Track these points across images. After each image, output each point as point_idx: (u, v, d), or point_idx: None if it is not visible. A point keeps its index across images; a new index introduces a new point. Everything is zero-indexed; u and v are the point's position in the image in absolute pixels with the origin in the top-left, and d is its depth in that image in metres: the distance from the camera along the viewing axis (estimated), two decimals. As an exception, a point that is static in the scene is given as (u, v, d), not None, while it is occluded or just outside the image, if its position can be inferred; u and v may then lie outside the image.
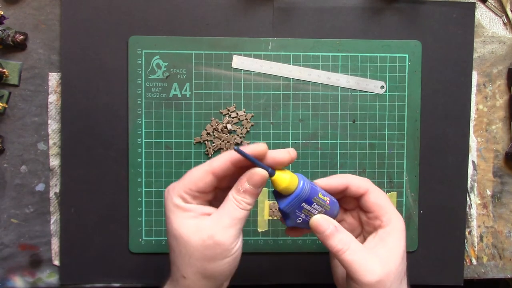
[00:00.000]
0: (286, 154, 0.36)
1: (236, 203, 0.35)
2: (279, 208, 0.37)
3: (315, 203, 0.37)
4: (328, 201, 0.38)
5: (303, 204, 0.37)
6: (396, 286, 0.37)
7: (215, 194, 0.38)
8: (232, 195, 0.36)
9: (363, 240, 0.40)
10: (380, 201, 0.39)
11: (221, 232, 0.35)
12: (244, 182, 0.35)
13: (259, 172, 0.35)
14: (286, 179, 0.35)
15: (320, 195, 0.37)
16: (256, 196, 0.36)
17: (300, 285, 0.52)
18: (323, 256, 0.51)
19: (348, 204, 0.41)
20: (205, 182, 0.35)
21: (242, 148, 0.34)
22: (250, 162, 0.35)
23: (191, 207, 0.36)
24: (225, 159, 0.35)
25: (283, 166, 0.36)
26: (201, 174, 0.35)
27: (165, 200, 0.37)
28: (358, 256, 0.36)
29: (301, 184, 0.36)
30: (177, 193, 0.36)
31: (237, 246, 0.36)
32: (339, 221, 0.40)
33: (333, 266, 0.43)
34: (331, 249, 0.37)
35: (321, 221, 0.37)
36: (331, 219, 0.38)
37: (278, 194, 0.37)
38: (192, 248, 0.35)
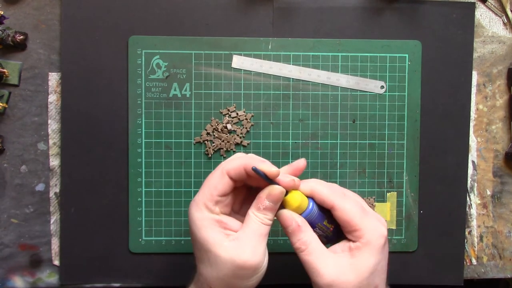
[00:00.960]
0: (291, 182, 0.37)
1: (259, 220, 0.37)
2: None
3: (317, 228, 0.38)
4: (332, 229, 0.39)
5: None
6: None
7: (233, 199, 0.39)
8: (253, 213, 0.37)
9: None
10: (347, 216, 0.37)
11: (251, 254, 0.36)
12: (263, 200, 0.37)
13: (278, 189, 0.37)
14: (297, 201, 0.37)
15: (325, 222, 0.39)
16: (275, 211, 0.38)
17: (300, 285, 0.52)
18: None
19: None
20: (223, 184, 0.37)
21: (258, 167, 0.36)
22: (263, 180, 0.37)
23: (216, 217, 0.37)
24: (239, 164, 0.37)
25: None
26: (218, 177, 0.37)
27: (190, 215, 0.37)
28: (314, 257, 0.37)
29: (309, 207, 0.38)
30: (201, 204, 0.37)
31: (265, 262, 0.37)
32: None
33: None
34: (292, 245, 0.38)
35: (286, 217, 0.38)
36: (297, 216, 0.38)
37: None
38: (223, 266, 0.36)
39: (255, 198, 0.38)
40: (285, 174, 0.38)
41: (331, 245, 0.39)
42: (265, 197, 0.37)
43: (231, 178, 0.37)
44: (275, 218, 0.38)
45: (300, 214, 0.38)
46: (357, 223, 0.37)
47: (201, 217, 0.37)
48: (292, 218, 0.37)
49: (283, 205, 0.38)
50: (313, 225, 0.38)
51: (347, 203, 0.37)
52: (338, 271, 0.36)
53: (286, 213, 0.38)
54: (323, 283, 0.36)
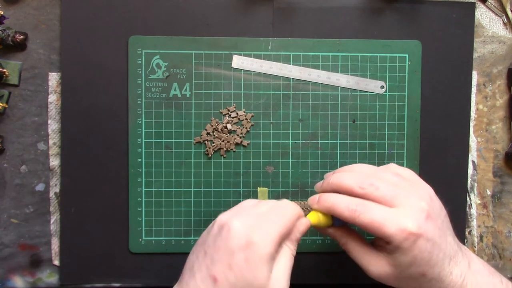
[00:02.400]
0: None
1: (290, 251, 0.38)
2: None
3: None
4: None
5: None
6: (404, 283, 0.38)
7: None
8: (287, 244, 0.38)
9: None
10: (369, 230, 0.36)
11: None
12: (297, 234, 0.38)
13: (310, 224, 0.40)
14: (320, 225, 0.41)
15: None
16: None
17: (300, 285, 0.52)
18: (323, 256, 0.51)
19: None
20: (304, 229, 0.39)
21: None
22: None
23: (270, 252, 0.36)
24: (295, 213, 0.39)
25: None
26: (303, 223, 0.39)
27: (249, 238, 0.35)
28: (353, 255, 0.40)
29: (335, 224, 0.41)
30: (275, 236, 0.36)
31: None
32: None
33: (358, 258, 0.41)
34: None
35: (323, 229, 0.42)
36: (329, 228, 0.41)
37: None
38: None
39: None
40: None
41: None
42: (300, 231, 0.39)
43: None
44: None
45: (332, 225, 0.41)
46: (380, 234, 0.36)
47: (264, 244, 0.35)
48: (325, 230, 0.41)
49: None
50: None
51: (364, 218, 0.36)
52: (378, 266, 0.38)
53: (320, 230, 0.42)
54: (371, 276, 0.39)
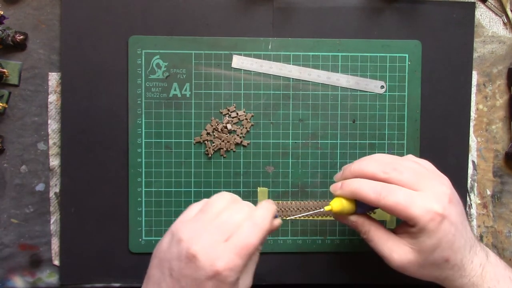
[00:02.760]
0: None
1: (258, 253, 0.38)
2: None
3: (370, 213, 0.42)
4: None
5: None
6: (427, 271, 0.38)
7: None
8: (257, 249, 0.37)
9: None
10: (394, 212, 0.36)
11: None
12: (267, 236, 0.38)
13: (281, 223, 0.41)
14: (345, 209, 0.40)
15: (371, 213, 0.43)
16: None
17: (300, 285, 0.52)
18: (323, 256, 0.51)
19: None
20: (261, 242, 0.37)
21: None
22: None
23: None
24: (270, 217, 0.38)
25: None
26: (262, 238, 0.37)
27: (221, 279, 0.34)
28: (374, 243, 0.39)
29: (357, 210, 0.40)
30: (240, 267, 0.35)
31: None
32: None
33: (378, 246, 0.41)
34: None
35: (340, 219, 0.41)
36: (350, 216, 0.41)
37: None
38: None
39: None
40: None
41: None
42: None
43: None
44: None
45: (354, 213, 0.40)
46: (406, 216, 0.36)
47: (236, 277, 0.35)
48: (346, 219, 0.41)
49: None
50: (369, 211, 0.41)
51: (390, 199, 0.36)
52: (401, 253, 0.38)
53: (339, 216, 0.41)
54: (393, 265, 0.38)
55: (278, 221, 0.40)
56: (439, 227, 0.36)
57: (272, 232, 0.39)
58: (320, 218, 0.51)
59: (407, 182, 0.37)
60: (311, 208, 0.50)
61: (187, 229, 0.35)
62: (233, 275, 0.33)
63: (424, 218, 0.35)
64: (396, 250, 0.38)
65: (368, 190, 0.37)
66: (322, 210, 0.41)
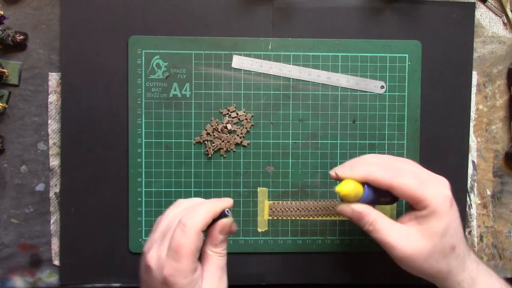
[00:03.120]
0: (335, 175, 0.39)
1: (218, 256, 0.38)
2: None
3: (375, 207, 0.40)
4: (389, 199, 0.40)
5: None
6: (435, 261, 0.37)
7: None
8: (211, 250, 0.38)
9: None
10: (407, 193, 0.37)
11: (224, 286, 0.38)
12: (218, 235, 0.38)
13: (228, 222, 0.38)
14: (352, 192, 0.38)
15: (381, 200, 0.40)
16: (226, 240, 0.39)
17: (300, 285, 0.52)
18: (323, 256, 0.51)
19: None
20: (199, 244, 0.37)
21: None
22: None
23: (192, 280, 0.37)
24: (206, 216, 0.37)
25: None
26: (196, 241, 0.36)
27: (173, 284, 0.35)
28: (383, 233, 0.38)
29: (364, 196, 0.38)
30: (188, 273, 0.36)
31: None
32: None
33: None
34: (363, 229, 0.39)
35: (345, 210, 0.39)
36: (353, 205, 0.38)
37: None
38: None
39: (207, 236, 0.38)
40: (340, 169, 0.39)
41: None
42: (218, 233, 0.38)
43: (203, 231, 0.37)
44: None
45: (359, 200, 0.38)
46: (419, 195, 0.37)
47: (186, 282, 0.36)
48: (351, 210, 0.38)
49: (341, 199, 0.39)
50: (372, 203, 0.39)
51: (403, 179, 0.37)
52: (410, 241, 0.37)
53: (342, 207, 0.39)
54: (400, 256, 0.37)
55: (224, 222, 0.38)
56: (450, 211, 0.37)
57: (225, 231, 0.38)
58: (320, 218, 0.51)
59: (414, 177, 0.38)
60: (311, 208, 0.50)
61: (147, 243, 0.38)
62: (179, 280, 0.35)
63: (437, 199, 0.37)
64: (405, 238, 0.37)
65: (381, 171, 0.38)
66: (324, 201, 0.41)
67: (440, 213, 0.37)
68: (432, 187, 0.37)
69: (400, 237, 0.37)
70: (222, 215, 0.38)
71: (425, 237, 0.37)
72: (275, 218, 0.51)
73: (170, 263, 0.35)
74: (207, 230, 0.38)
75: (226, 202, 0.39)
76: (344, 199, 0.39)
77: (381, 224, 0.38)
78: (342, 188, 0.37)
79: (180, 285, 0.35)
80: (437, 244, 0.37)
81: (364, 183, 0.38)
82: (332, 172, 0.39)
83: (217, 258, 0.38)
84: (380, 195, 0.39)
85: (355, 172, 0.38)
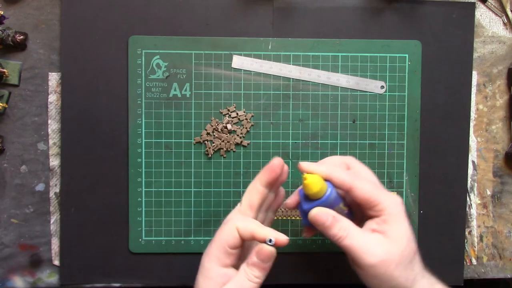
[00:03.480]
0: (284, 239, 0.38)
1: (244, 275, 0.37)
2: (301, 206, 0.40)
3: (335, 211, 0.39)
4: (347, 211, 0.40)
5: None
6: (403, 267, 0.37)
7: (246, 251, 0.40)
8: (243, 266, 0.37)
9: (362, 225, 0.40)
10: (366, 195, 0.38)
11: None
12: (253, 256, 0.37)
13: (266, 249, 0.37)
14: (317, 186, 0.38)
15: (341, 205, 0.39)
16: (265, 270, 0.37)
17: (300, 285, 0.52)
18: (323, 256, 0.51)
19: None
20: (233, 238, 0.37)
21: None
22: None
23: (223, 271, 0.37)
24: (250, 230, 0.37)
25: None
26: (229, 231, 0.37)
27: (201, 264, 0.38)
28: (357, 239, 0.37)
29: (328, 192, 0.38)
30: (213, 256, 0.37)
31: None
32: None
33: (347, 256, 0.42)
34: (331, 238, 0.38)
35: (320, 214, 0.38)
36: (329, 210, 0.38)
37: (305, 196, 0.39)
38: None
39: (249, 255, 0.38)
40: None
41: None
42: (254, 254, 0.37)
43: (241, 236, 0.37)
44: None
45: (321, 198, 0.38)
46: (376, 198, 0.38)
47: (209, 267, 0.37)
48: (326, 214, 0.38)
49: (304, 192, 0.39)
50: (331, 208, 0.39)
51: (362, 182, 0.39)
52: (381, 247, 0.37)
53: (317, 211, 0.38)
54: (374, 262, 0.37)
55: (261, 246, 0.37)
56: (404, 215, 0.39)
57: (260, 257, 0.37)
58: None
59: (371, 183, 0.40)
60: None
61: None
62: (207, 257, 0.38)
63: (392, 204, 0.38)
64: (376, 244, 0.37)
65: (344, 173, 0.39)
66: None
67: (398, 215, 0.38)
68: (387, 193, 0.39)
69: (372, 243, 0.37)
70: (267, 241, 0.37)
71: (393, 243, 0.37)
72: (275, 218, 0.51)
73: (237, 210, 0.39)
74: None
75: (272, 233, 0.37)
76: (306, 191, 0.38)
77: (354, 231, 0.38)
78: (309, 177, 0.37)
79: (203, 262, 0.38)
80: (405, 249, 0.37)
81: (329, 184, 0.39)
82: (299, 165, 0.40)
83: (243, 277, 0.37)
84: (340, 200, 0.39)
85: (321, 167, 0.39)
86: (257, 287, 0.37)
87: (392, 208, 0.38)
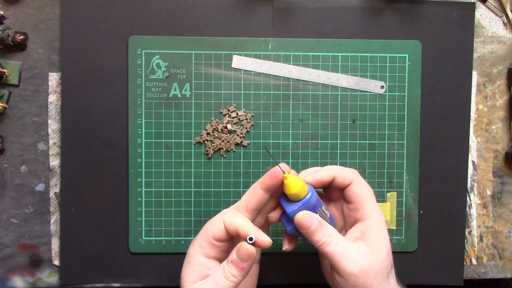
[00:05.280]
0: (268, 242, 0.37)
1: (222, 272, 0.36)
2: (284, 214, 0.40)
3: (318, 214, 0.39)
4: (328, 215, 0.40)
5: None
6: (382, 279, 0.37)
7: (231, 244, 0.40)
8: (223, 263, 0.37)
9: (345, 234, 0.41)
10: (362, 192, 0.39)
11: None
12: (233, 254, 0.36)
13: (245, 247, 0.36)
14: (298, 185, 0.37)
15: (323, 207, 0.40)
16: (243, 270, 0.36)
17: (300, 285, 0.52)
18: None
19: (333, 193, 0.42)
20: (219, 231, 0.37)
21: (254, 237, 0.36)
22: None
23: (203, 260, 0.38)
24: (235, 225, 0.37)
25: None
26: (216, 223, 0.38)
27: (187, 251, 0.39)
28: (340, 247, 0.37)
29: (309, 193, 0.38)
30: (197, 244, 0.38)
31: None
32: None
33: (322, 262, 0.43)
34: (315, 243, 0.38)
35: (306, 218, 0.38)
36: (314, 215, 0.38)
37: (286, 200, 0.39)
38: None
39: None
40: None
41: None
42: (234, 251, 0.36)
43: (227, 230, 0.37)
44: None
45: (301, 199, 0.38)
46: (370, 200, 0.39)
47: (191, 253, 0.38)
48: (312, 217, 0.38)
49: (284, 192, 0.38)
50: (314, 211, 0.38)
51: (363, 181, 0.40)
52: (363, 256, 0.37)
53: (305, 214, 0.38)
54: (355, 271, 0.36)
55: (241, 245, 0.36)
56: (386, 228, 0.40)
57: (240, 255, 0.36)
58: None
59: None
60: None
61: None
62: (192, 244, 0.39)
63: (380, 213, 0.40)
64: (359, 252, 0.37)
65: (345, 169, 0.40)
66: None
67: (382, 226, 0.39)
68: (376, 204, 0.40)
69: (354, 251, 0.37)
70: (247, 239, 0.36)
71: (374, 252, 0.38)
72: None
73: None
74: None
75: (258, 234, 0.37)
76: (287, 191, 0.37)
77: (338, 238, 0.38)
78: (289, 177, 0.37)
79: (188, 249, 0.39)
80: (384, 260, 0.38)
81: (309, 186, 0.39)
82: (302, 175, 0.40)
83: (221, 275, 0.36)
84: (322, 203, 0.39)
85: (320, 172, 0.40)
86: (234, 286, 0.36)
87: (379, 216, 0.39)
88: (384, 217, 0.40)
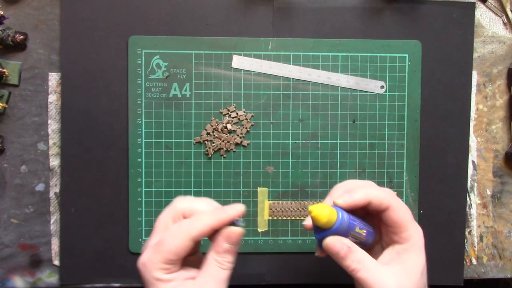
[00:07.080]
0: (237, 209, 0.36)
1: (218, 265, 0.35)
2: (315, 236, 0.38)
3: (350, 237, 0.37)
4: (364, 233, 0.38)
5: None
6: None
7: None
8: (213, 257, 0.35)
9: (381, 248, 0.39)
10: (401, 218, 0.37)
11: None
12: (222, 243, 0.35)
13: (234, 231, 0.35)
14: (325, 216, 0.35)
15: (357, 229, 0.37)
16: (235, 253, 0.36)
17: (300, 285, 0.52)
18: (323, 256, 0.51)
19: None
20: (185, 249, 0.34)
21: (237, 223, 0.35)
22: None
23: (173, 276, 0.35)
24: (206, 225, 0.35)
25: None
26: (180, 243, 0.34)
27: (142, 274, 0.35)
28: (372, 273, 0.36)
29: (339, 220, 0.36)
30: (157, 267, 0.34)
31: None
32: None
33: (355, 282, 0.40)
34: (345, 268, 0.37)
35: (335, 243, 0.36)
36: (344, 239, 0.36)
37: (316, 227, 0.37)
38: None
39: (214, 240, 0.36)
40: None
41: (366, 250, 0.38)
42: (223, 240, 0.35)
43: (196, 241, 0.35)
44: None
45: (332, 227, 0.36)
46: (409, 224, 0.37)
47: (156, 279, 0.34)
48: (341, 243, 0.36)
49: (313, 222, 0.36)
50: (345, 235, 0.37)
51: (400, 204, 0.37)
52: (396, 280, 0.36)
53: (332, 240, 0.36)
54: None
55: (229, 230, 0.35)
56: (423, 248, 0.38)
57: (231, 240, 0.35)
58: None
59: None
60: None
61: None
62: (150, 271, 0.34)
63: (418, 233, 0.38)
64: (391, 277, 0.36)
65: (382, 191, 0.37)
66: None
67: (420, 247, 0.38)
68: (414, 221, 0.38)
69: (387, 276, 0.36)
70: (234, 223, 0.35)
71: (407, 275, 0.37)
72: (275, 218, 0.51)
73: (148, 252, 0.34)
74: (214, 236, 0.36)
75: (234, 212, 0.35)
76: (315, 223, 0.36)
77: (369, 263, 0.36)
78: (315, 209, 0.35)
79: (149, 277, 0.34)
80: (417, 283, 0.37)
81: (338, 210, 0.36)
82: (330, 201, 0.37)
83: (216, 267, 0.35)
84: (355, 225, 0.37)
85: (354, 196, 0.37)
86: (230, 270, 0.36)
87: (417, 238, 0.37)
88: (422, 237, 0.38)
